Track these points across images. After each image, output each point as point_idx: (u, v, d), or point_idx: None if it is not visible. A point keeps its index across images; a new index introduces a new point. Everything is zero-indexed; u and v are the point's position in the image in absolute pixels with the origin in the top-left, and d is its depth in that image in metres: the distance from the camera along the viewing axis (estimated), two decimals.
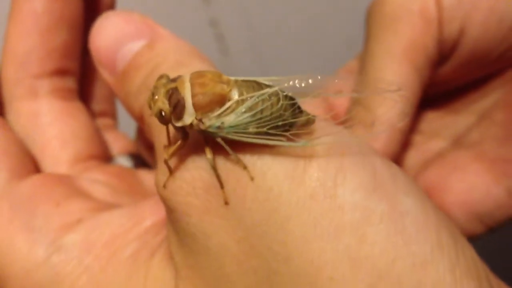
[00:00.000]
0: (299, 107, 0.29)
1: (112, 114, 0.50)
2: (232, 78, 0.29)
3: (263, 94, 0.28)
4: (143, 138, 0.49)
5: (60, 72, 0.43)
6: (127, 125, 0.50)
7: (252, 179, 0.27)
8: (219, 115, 0.28)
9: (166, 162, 0.29)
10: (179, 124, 0.29)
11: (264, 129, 0.28)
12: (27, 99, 0.42)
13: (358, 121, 0.42)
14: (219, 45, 0.91)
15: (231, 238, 0.27)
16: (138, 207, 0.37)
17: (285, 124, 0.28)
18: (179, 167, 0.29)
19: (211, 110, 0.28)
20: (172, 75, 0.30)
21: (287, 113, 0.28)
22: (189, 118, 0.28)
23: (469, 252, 0.28)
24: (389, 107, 0.41)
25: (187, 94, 0.28)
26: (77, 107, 0.44)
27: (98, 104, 0.48)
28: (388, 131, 0.42)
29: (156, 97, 0.29)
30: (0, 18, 0.42)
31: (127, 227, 0.35)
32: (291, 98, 0.29)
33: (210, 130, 0.28)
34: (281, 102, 0.28)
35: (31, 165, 0.40)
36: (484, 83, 0.48)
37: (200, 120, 0.28)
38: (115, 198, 0.40)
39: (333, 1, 0.95)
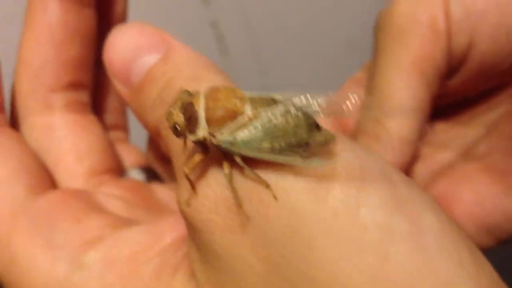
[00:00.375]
0: (316, 125, 0.29)
1: (124, 127, 0.50)
2: (247, 93, 0.29)
3: (277, 111, 0.28)
4: (155, 151, 0.49)
5: (74, 85, 0.43)
6: (137, 138, 0.50)
7: (275, 198, 0.27)
8: (231, 130, 0.28)
9: (187, 177, 0.29)
10: (192, 137, 0.29)
11: (278, 146, 0.28)
12: (41, 113, 0.41)
13: (368, 135, 0.43)
14: (219, 46, 0.90)
15: (254, 257, 0.27)
16: (157, 223, 0.37)
17: (299, 141, 0.28)
18: (201, 183, 0.29)
19: (224, 125, 0.28)
20: (187, 88, 0.30)
21: (302, 131, 0.28)
22: (201, 131, 0.29)
23: (488, 267, 0.27)
24: (400, 120, 0.42)
25: (200, 108, 0.29)
26: (91, 120, 0.44)
27: (110, 117, 0.48)
28: (398, 144, 0.42)
29: (173, 110, 0.29)
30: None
31: (148, 244, 0.35)
32: (308, 115, 0.29)
33: (223, 145, 0.28)
34: (295, 118, 0.28)
35: (48, 180, 0.40)
36: (492, 95, 0.48)
37: (212, 135, 0.29)
38: (131, 212, 0.40)
39: (333, 1, 0.95)
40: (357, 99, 0.30)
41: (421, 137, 0.45)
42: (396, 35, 0.43)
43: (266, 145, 0.28)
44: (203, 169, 0.29)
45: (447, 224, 0.27)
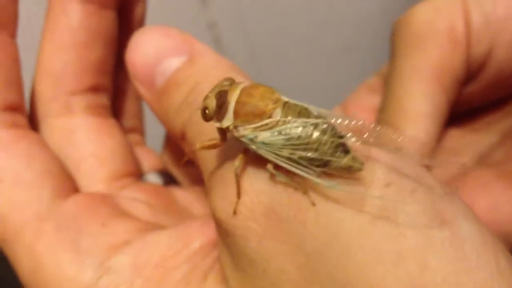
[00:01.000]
0: (345, 148, 0.28)
1: (141, 130, 0.49)
2: (286, 98, 0.29)
3: (305, 122, 0.28)
4: (172, 154, 0.49)
5: (95, 89, 0.42)
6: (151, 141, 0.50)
7: (313, 204, 0.27)
8: (255, 128, 0.28)
9: (237, 179, 0.29)
10: (217, 124, 0.29)
11: (295, 157, 0.28)
12: (62, 116, 0.41)
13: (385, 141, 0.43)
14: (217, 48, 0.90)
15: (290, 264, 0.27)
16: (185, 228, 0.36)
17: (319, 159, 0.28)
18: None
19: (249, 121, 0.29)
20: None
21: (325, 148, 0.28)
22: (227, 122, 0.29)
23: None
24: (418, 127, 0.42)
25: (233, 99, 0.29)
26: (111, 124, 0.43)
27: (128, 120, 0.48)
28: (417, 151, 0.42)
29: (209, 94, 0.30)
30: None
31: (176, 249, 0.35)
32: (337, 136, 0.28)
33: (243, 140, 0.29)
34: (322, 135, 0.28)
35: (71, 184, 0.39)
36: (507, 103, 0.48)
37: (236, 127, 0.29)
38: (155, 217, 0.40)
39: (330, 4, 0.95)
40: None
41: (437, 143, 0.45)
42: (415, 43, 0.43)
43: (284, 153, 0.28)
44: (240, 177, 0.29)
45: (485, 233, 0.27)
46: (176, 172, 0.48)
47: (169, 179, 0.46)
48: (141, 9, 0.46)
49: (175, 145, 0.48)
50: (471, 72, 0.43)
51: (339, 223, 0.26)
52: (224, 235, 0.30)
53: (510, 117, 0.48)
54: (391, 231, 0.26)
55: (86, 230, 0.35)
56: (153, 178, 0.45)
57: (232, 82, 0.30)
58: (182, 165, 0.48)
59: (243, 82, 0.30)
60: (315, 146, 0.28)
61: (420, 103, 0.42)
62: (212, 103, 0.29)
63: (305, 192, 0.27)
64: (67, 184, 0.38)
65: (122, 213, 0.38)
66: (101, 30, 0.41)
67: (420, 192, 0.27)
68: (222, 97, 0.29)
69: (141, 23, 0.47)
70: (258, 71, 0.92)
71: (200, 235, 0.36)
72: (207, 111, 0.29)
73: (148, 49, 0.38)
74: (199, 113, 0.30)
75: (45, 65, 0.41)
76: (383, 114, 0.44)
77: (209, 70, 0.36)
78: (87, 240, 0.35)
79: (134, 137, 0.48)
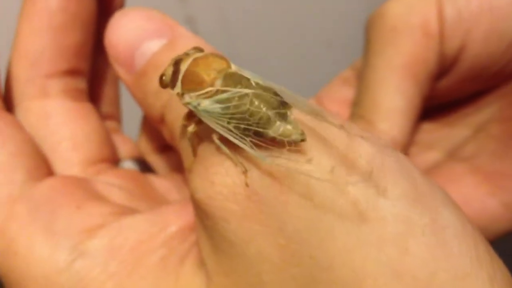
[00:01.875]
0: (284, 117, 0.28)
1: (117, 117, 0.49)
2: (232, 69, 0.30)
3: (239, 92, 0.28)
4: (148, 141, 0.48)
5: (72, 72, 0.42)
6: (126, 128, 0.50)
7: (247, 185, 0.27)
8: (197, 96, 0.29)
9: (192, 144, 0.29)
10: (172, 92, 0.30)
11: (231, 126, 0.28)
12: (38, 99, 0.40)
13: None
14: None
15: (271, 245, 0.27)
16: (162, 212, 0.36)
17: (253, 128, 0.28)
18: (219, 171, 0.29)
19: (193, 89, 0.29)
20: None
21: (257, 118, 0.28)
22: (177, 89, 0.30)
23: (501, 265, 0.28)
24: (391, 121, 0.42)
25: (183, 67, 0.30)
26: (88, 108, 0.43)
27: (105, 106, 0.47)
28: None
29: (170, 62, 0.30)
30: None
31: (152, 233, 0.35)
32: (277, 105, 0.28)
33: (190, 107, 0.29)
34: (253, 104, 0.28)
35: (46, 166, 0.39)
36: (480, 97, 0.49)
37: (182, 95, 0.30)
38: (132, 202, 0.40)
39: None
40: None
41: (410, 137, 0.46)
42: (389, 37, 0.43)
43: (223, 122, 0.28)
44: (223, 158, 0.29)
45: (464, 220, 0.28)
46: (152, 159, 0.48)
47: (145, 167, 0.46)
48: None
49: (152, 132, 0.48)
50: (445, 66, 0.44)
51: (321, 206, 0.26)
52: (203, 217, 0.30)
53: (482, 112, 0.49)
54: (373, 215, 0.26)
55: (60, 212, 0.35)
56: (129, 166, 0.45)
57: (195, 52, 0.31)
58: (159, 151, 0.48)
59: (203, 52, 0.31)
60: (246, 115, 0.28)
61: (393, 98, 0.42)
62: (169, 71, 0.30)
63: (244, 172, 0.28)
64: (42, 166, 0.38)
65: (98, 197, 0.38)
66: (80, 13, 0.41)
67: (402, 176, 0.27)
68: (177, 64, 0.30)
69: (121, 6, 0.47)
70: (238, 64, 0.92)
71: (177, 219, 0.36)
72: (163, 78, 0.30)
73: (129, 30, 0.38)
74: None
75: (22, 48, 0.40)
76: (357, 109, 0.45)
77: None
78: (61, 222, 0.34)
79: (110, 124, 0.47)
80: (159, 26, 0.37)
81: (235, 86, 0.29)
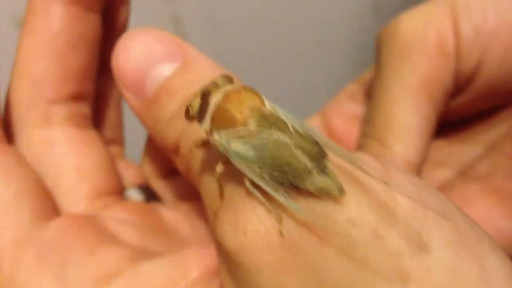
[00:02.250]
0: (322, 167, 0.26)
1: (121, 141, 0.46)
2: (267, 108, 0.27)
3: (276, 139, 0.26)
4: (153, 166, 0.46)
5: (76, 97, 0.39)
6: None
7: (281, 234, 0.25)
8: (228, 135, 0.27)
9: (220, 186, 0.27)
10: (200, 127, 0.28)
11: (265, 174, 0.26)
12: (41, 126, 0.38)
13: (369, 155, 0.42)
14: None
15: None
16: (181, 256, 0.34)
17: (285, 178, 0.26)
18: (251, 218, 0.26)
19: (223, 127, 0.27)
20: None
21: (298, 167, 0.26)
22: (205, 124, 0.27)
23: None
24: (406, 142, 0.41)
25: (213, 101, 0.27)
26: (93, 135, 0.40)
27: (108, 130, 0.45)
28: (404, 167, 0.41)
29: (197, 92, 0.28)
30: None
31: (173, 279, 0.32)
32: (319, 158, 0.26)
33: (219, 148, 0.27)
34: (296, 152, 0.26)
35: (52, 203, 0.36)
36: (492, 113, 0.48)
37: (211, 132, 0.27)
38: (143, 240, 0.37)
39: None
40: None
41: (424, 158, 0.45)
42: (403, 54, 0.42)
43: (253, 166, 0.26)
44: (254, 204, 0.27)
45: (509, 265, 0.26)
46: (157, 185, 0.45)
47: (151, 195, 0.43)
48: (126, 10, 0.43)
49: (157, 155, 0.45)
50: (460, 84, 0.42)
51: (364, 256, 0.24)
52: (232, 266, 0.28)
53: (496, 129, 0.48)
54: (418, 264, 0.24)
55: (72, 258, 0.32)
56: (134, 194, 0.42)
57: (224, 82, 0.28)
58: (164, 176, 0.46)
59: (234, 84, 0.28)
60: (282, 165, 0.26)
61: (408, 117, 0.41)
62: (196, 103, 0.28)
63: (279, 220, 0.26)
64: (48, 204, 0.35)
65: (110, 238, 0.35)
66: (85, 34, 0.38)
67: (443, 220, 0.26)
68: (205, 97, 0.27)
69: (125, 25, 0.44)
70: (225, 65, 0.90)
71: (197, 263, 0.34)
72: (190, 110, 0.28)
73: (138, 53, 0.35)
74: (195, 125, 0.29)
75: (23, 71, 0.38)
76: (369, 128, 0.43)
77: (204, 78, 0.33)
78: (73, 270, 0.32)
79: (114, 149, 0.45)
80: (170, 48, 0.35)
81: (270, 129, 0.27)
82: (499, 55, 0.41)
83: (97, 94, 0.43)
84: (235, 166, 0.27)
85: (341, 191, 0.25)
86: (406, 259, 0.24)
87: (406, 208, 0.26)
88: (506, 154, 0.46)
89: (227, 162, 0.28)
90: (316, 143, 0.27)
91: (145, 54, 0.35)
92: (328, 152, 0.27)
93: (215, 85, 0.28)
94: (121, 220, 0.38)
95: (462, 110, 0.46)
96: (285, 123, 0.27)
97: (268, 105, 0.28)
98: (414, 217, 0.25)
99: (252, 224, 0.26)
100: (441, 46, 0.41)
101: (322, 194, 0.26)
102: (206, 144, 0.29)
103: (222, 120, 0.27)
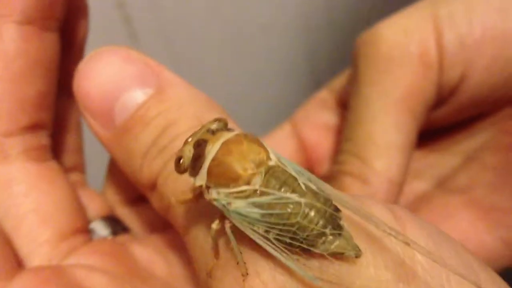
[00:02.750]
0: (336, 227, 0.24)
1: (81, 167, 0.41)
2: (272, 160, 0.24)
3: (287, 199, 0.24)
4: (116, 191, 0.41)
5: (34, 127, 0.34)
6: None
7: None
8: (229, 194, 0.24)
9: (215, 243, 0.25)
10: (192, 180, 0.25)
11: (272, 236, 0.24)
12: None
13: (353, 176, 0.39)
14: (127, 28, 0.83)
15: None
16: None
17: (298, 243, 0.24)
18: (252, 283, 0.24)
19: (222, 184, 0.24)
20: (190, 133, 0.25)
21: (306, 234, 0.23)
22: (200, 180, 0.24)
23: None
24: (387, 159, 0.39)
25: (210, 153, 0.24)
26: (53, 169, 0.36)
27: (68, 157, 0.40)
28: (388, 187, 0.39)
29: (189, 140, 0.25)
30: None
31: None
32: (334, 218, 0.24)
33: (216, 204, 0.24)
34: (304, 217, 0.23)
35: (13, 257, 0.32)
36: (471, 122, 0.46)
37: (208, 188, 0.24)
38: None
39: None
40: None
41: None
42: (384, 67, 0.39)
43: (260, 229, 0.24)
44: (247, 257, 0.24)
45: None
46: (121, 213, 0.41)
47: (117, 227, 0.39)
48: (85, 25, 0.38)
49: (121, 182, 0.41)
50: (443, 96, 0.41)
51: None
52: None
53: (474, 138, 0.46)
54: None
55: None
56: (100, 228, 0.38)
57: (220, 127, 0.25)
58: (128, 203, 0.41)
59: (230, 130, 0.25)
60: (294, 228, 0.23)
61: (390, 134, 0.39)
62: (189, 153, 0.24)
63: (243, 274, 0.24)
64: (10, 259, 0.31)
65: None
66: (41, 57, 0.34)
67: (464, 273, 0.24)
68: (200, 147, 0.24)
69: (84, 41, 0.39)
70: (171, 52, 0.87)
71: None
72: (181, 161, 0.25)
73: (106, 77, 0.31)
74: None
75: None
76: (349, 145, 0.41)
77: (182, 107, 0.30)
78: None
79: (75, 176, 0.40)
80: (142, 70, 0.31)
81: (279, 188, 0.24)
82: (484, 66, 0.39)
83: (56, 118, 0.38)
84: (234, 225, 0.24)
85: (358, 253, 0.23)
86: None
87: (426, 267, 0.24)
88: (486, 165, 0.44)
89: (223, 218, 0.25)
90: (329, 200, 0.24)
91: (113, 78, 0.31)
92: (342, 208, 0.24)
93: (210, 132, 0.25)
94: (91, 268, 0.33)
95: (444, 121, 0.44)
96: (295, 178, 0.24)
97: (274, 157, 0.25)
98: (433, 277, 0.24)
99: (249, 279, 0.24)
100: (424, 58, 0.39)
101: (337, 257, 0.23)
102: (198, 197, 0.26)
103: (222, 177, 0.24)
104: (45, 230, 0.34)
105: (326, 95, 0.50)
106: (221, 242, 0.26)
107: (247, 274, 0.24)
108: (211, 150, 0.24)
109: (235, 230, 0.24)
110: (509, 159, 0.43)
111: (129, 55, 0.31)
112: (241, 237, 0.24)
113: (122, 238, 0.38)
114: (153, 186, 0.30)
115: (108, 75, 0.31)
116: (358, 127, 0.40)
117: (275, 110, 0.88)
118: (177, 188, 0.28)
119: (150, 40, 0.84)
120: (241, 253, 0.24)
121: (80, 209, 0.37)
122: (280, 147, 0.48)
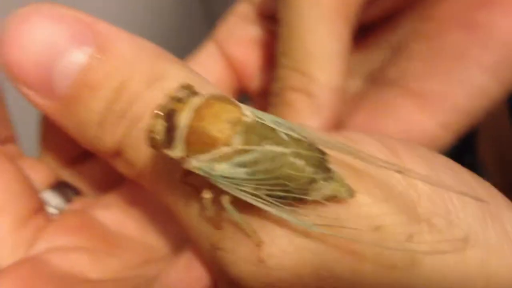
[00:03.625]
0: (326, 171, 0.24)
1: (14, 138, 0.37)
2: (248, 116, 0.24)
3: (271, 152, 0.23)
4: (56, 155, 0.38)
5: None
6: None
7: (259, 244, 0.23)
8: (210, 160, 0.23)
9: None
10: (168, 153, 0.23)
11: (263, 193, 0.23)
12: None
13: (295, 90, 0.38)
14: None
15: None
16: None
17: (296, 191, 0.23)
18: (269, 251, 0.23)
19: (201, 151, 0.23)
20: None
21: (298, 183, 0.23)
22: (177, 152, 0.23)
23: None
24: (328, 68, 0.38)
25: (182, 122, 0.23)
26: None
27: None
28: (333, 96, 0.38)
29: (157, 113, 0.23)
30: None
31: None
32: (322, 162, 0.24)
33: (199, 172, 0.23)
34: (293, 166, 0.23)
35: None
36: (393, 17, 0.46)
37: (187, 158, 0.23)
38: (98, 265, 0.31)
39: None
40: None
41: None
42: None
43: (248, 188, 0.23)
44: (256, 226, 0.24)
45: None
46: (67, 175, 0.38)
47: (69, 192, 0.36)
48: None
49: (57, 143, 0.37)
50: None
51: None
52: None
53: (399, 30, 0.46)
54: None
55: None
56: (51, 198, 0.35)
57: (186, 94, 0.23)
58: (71, 164, 0.38)
59: (198, 95, 0.24)
60: (283, 181, 0.23)
61: (327, 44, 0.37)
62: (161, 127, 0.23)
63: (258, 244, 0.23)
64: None
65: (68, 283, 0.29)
66: None
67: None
68: (172, 119, 0.23)
69: None
70: None
71: None
72: (154, 136, 0.23)
73: (37, 41, 0.27)
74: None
75: None
76: (287, 60, 0.39)
77: (131, 63, 0.27)
78: None
79: (10, 149, 0.36)
80: (76, 28, 0.27)
81: (260, 143, 0.23)
82: None
83: None
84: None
85: (351, 193, 0.23)
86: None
87: (428, 192, 0.24)
88: (413, 54, 0.45)
89: (212, 186, 0.24)
90: (314, 145, 0.24)
91: (46, 41, 0.27)
92: (328, 151, 0.24)
93: (177, 100, 0.23)
94: (65, 249, 0.31)
95: (372, 18, 0.44)
96: (274, 130, 0.23)
97: (249, 113, 0.24)
98: (437, 202, 0.24)
99: (274, 259, 0.24)
100: None
101: (331, 200, 0.23)
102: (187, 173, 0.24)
103: (200, 144, 0.23)
104: (4, 221, 0.30)
105: (246, 8, 0.47)
106: (222, 213, 0.25)
107: (262, 242, 0.23)
108: (183, 119, 0.23)
109: (234, 202, 0.23)
110: (433, 45, 0.43)
111: (58, 13, 0.27)
112: (244, 208, 0.24)
113: (78, 204, 0.36)
114: (118, 153, 0.28)
115: (39, 38, 0.27)
116: (293, 40, 0.38)
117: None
118: (146, 151, 0.26)
119: None
120: (248, 223, 0.23)
121: (29, 185, 0.33)
122: (207, 67, 0.46)
